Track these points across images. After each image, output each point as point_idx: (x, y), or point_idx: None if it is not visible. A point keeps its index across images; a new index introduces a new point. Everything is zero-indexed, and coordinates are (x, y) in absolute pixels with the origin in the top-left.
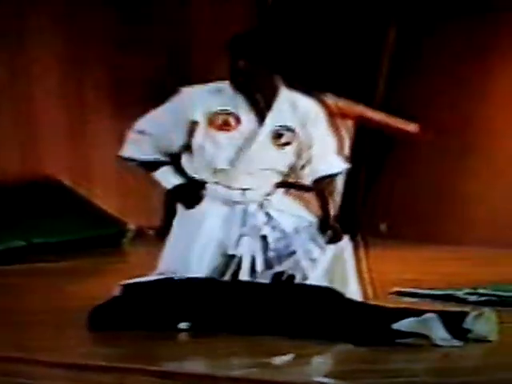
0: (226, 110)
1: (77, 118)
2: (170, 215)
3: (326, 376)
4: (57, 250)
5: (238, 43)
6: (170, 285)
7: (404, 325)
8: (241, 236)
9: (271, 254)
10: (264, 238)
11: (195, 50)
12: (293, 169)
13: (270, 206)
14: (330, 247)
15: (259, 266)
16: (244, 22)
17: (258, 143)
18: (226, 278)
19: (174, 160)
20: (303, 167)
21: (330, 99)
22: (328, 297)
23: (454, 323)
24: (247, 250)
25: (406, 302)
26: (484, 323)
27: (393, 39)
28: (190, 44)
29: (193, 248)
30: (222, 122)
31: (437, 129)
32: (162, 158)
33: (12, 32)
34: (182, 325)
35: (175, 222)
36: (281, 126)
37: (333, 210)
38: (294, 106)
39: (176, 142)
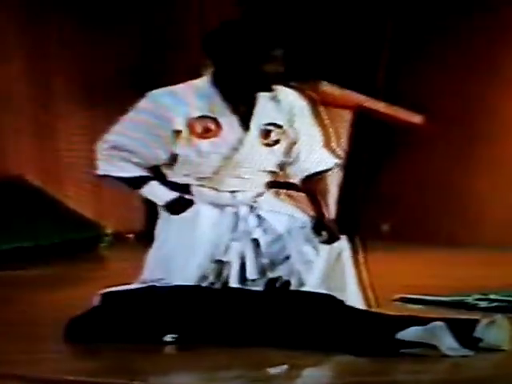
0: (205, 115)
1: (44, 112)
2: (152, 218)
3: None
4: (28, 257)
5: (214, 41)
6: (154, 294)
7: (409, 334)
8: (231, 241)
9: (264, 258)
10: (256, 241)
11: (172, 47)
12: (282, 167)
13: (261, 207)
14: (324, 248)
15: (250, 272)
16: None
17: (246, 145)
18: (216, 285)
19: (155, 171)
20: (291, 165)
21: (325, 87)
22: (326, 304)
23: (463, 331)
24: (237, 255)
25: (411, 310)
26: (496, 331)
27: (392, 26)
28: (166, 40)
29: (179, 254)
30: (202, 128)
31: (443, 119)
32: (145, 174)
33: None
34: (168, 337)
35: (159, 226)
36: (268, 123)
37: (326, 209)
38: (276, 101)
39: (159, 156)
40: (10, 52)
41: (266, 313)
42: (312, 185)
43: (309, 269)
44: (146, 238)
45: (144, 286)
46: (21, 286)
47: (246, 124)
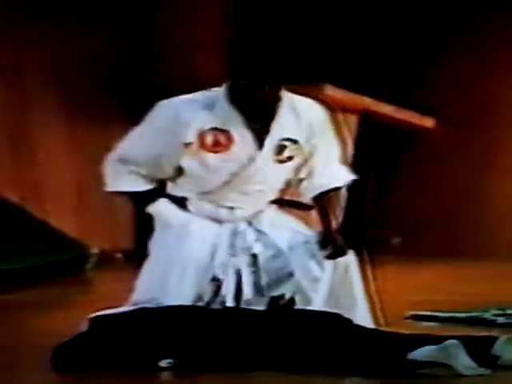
0: (217, 127)
1: (20, 122)
2: (141, 235)
3: None
4: (8, 280)
5: (239, 59)
6: (147, 316)
7: (422, 353)
8: (229, 258)
9: (264, 275)
10: (255, 257)
11: (160, 48)
12: (289, 184)
13: (262, 222)
14: (329, 263)
15: (247, 290)
16: (220, 20)
17: (258, 162)
18: (212, 305)
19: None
20: (301, 182)
21: (329, 90)
22: (333, 323)
23: (480, 349)
24: (234, 272)
25: (425, 328)
26: None
27: (400, 26)
28: (155, 42)
29: (173, 272)
30: (212, 141)
31: (458, 123)
32: (155, 187)
33: None
34: (163, 362)
35: (153, 243)
36: (284, 138)
37: (335, 224)
38: (296, 115)
39: (168, 169)
40: None
41: (269, 334)
42: (324, 201)
43: (314, 286)
44: (135, 257)
45: (135, 307)
46: (5, 309)
47: (260, 139)
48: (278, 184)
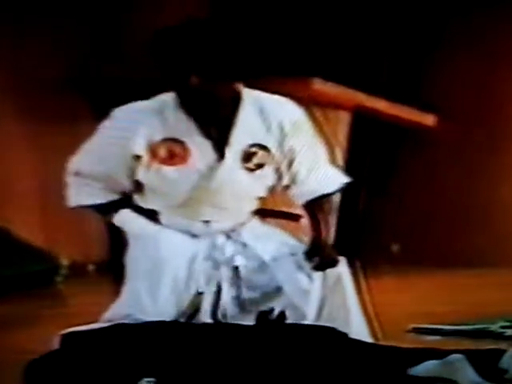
0: (171, 138)
1: None
2: (116, 246)
3: None
4: None
5: (180, 50)
6: (125, 332)
7: (424, 369)
8: (208, 271)
9: (247, 289)
10: (236, 270)
11: (125, 40)
12: (273, 191)
13: (243, 234)
14: (318, 274)
15: (229, 305)
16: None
17: (222, 173)
18: (197, 320)
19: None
20: (287, 188)
21: (318, 85)
22: (327, 338)
23: (486, 363)
24: (215, 286)
25: (427, 342)
26: None
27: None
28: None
29: (150, 286)
30: (167, 153)
31: (461, 121)
32: (115, 198)
33: None
34: (144, 381)
35: (128, 255)
36: (250, 144)
37: (327, 232)
38: (263, 117)
39: (123, 183)
40: None
41: (259, 350)
42: (315, 208)
43: (304, 299)
44: (109, 268)
45: (111, 324)
46: None
47: (221, 147)
48: (255, 193)
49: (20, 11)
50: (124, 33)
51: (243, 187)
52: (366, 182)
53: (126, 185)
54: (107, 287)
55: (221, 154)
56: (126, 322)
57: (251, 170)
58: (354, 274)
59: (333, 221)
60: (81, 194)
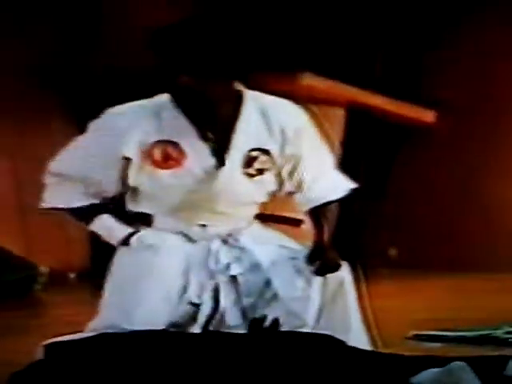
0: (165, 139)
1: None
2: (97, 253)
3: None
4: None
5: (171, 47)
6: (110, 342)
7: (426, 377)
8: (204, 279)
9: (246, 296)
10: (234, 277)
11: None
12: (275, 196)
13: (241, 239)
14: (318, 279)
15: (229, 314)
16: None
17: (221, 177)
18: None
19: (111, 201)
20: (292, 194)
21: (309, 80)
22: (324, 346)
23: (491, 370)
24: (212, 296)
25: (428, 349)
26: None
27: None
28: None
29: (139, 295)
30: (161, 156)
31: (461, 117)
32: (94, 203)
33: None
34: None
35: (115, 262)
36: (252, 149)
37: (327, 236)
38: (266, 120)
39: (110, 186)
40: None
41: (252, 360)
42: (319, 213)
43: (301, 305)
44: (90, 276)
45: (96, 334)
46: None
47: (221, 152)
48: (255, 199)
49: None
50: (103, 26)
51: (242, 193)
52: (361, 184)
53: (112, 189)
54: (88, 296)
55: (220, 159)
56: (111, 331)
57: (251, 176)
58: (355, 279)
59: (334, 224)
60: (56, 195)
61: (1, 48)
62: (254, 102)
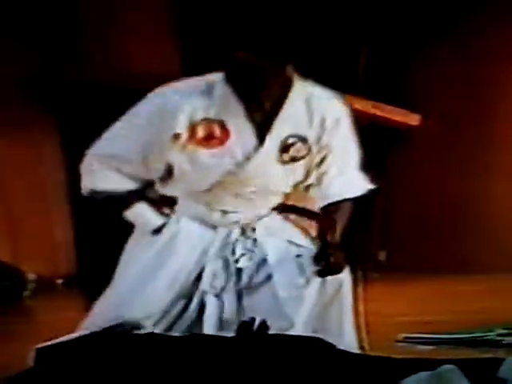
0: (210, 118)
1: None
2: (84, 259)
3: None
4: None
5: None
6: (100, 344)
7: (415, 380)
8: (218, 268)
9: (247, 293)
10: (240, 271)
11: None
12: (296, 188)
13: (257, 230)
14: (316, 281)
15: (228, 311)
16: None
17: (257, 160)
18: (176, 326)
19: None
20: (310, 187)
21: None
22: (313, 349)
23: (483, 373)
24: (218, 289)
25: (419, 352)
26: None
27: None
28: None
29: (148, 287)
30: (205, 134)
31: (449, 120)
32: (137, 188)
33: None
34: None
35: (128, 249)
36: (291, 135)
37: (337, 236)
38: (308, 108)
39: (156, 166)
40: None
41: (240, 364)
42: (334, 211)
43: (296, 306)
44: (77, 282)
45: (84, 334)
46: None
47: (262, 134)
48: (282, 188)
49: None
50: (83, 34)
51: (272, 179)
52: None
53: (158, 169)
54: (76, 302)
55: (260, 140)
56: (111, 324)
57: (284, 163)
58: (353, 282)
59: (345, 225)
60: (100, 177)
61: None
62: (301, 90)
